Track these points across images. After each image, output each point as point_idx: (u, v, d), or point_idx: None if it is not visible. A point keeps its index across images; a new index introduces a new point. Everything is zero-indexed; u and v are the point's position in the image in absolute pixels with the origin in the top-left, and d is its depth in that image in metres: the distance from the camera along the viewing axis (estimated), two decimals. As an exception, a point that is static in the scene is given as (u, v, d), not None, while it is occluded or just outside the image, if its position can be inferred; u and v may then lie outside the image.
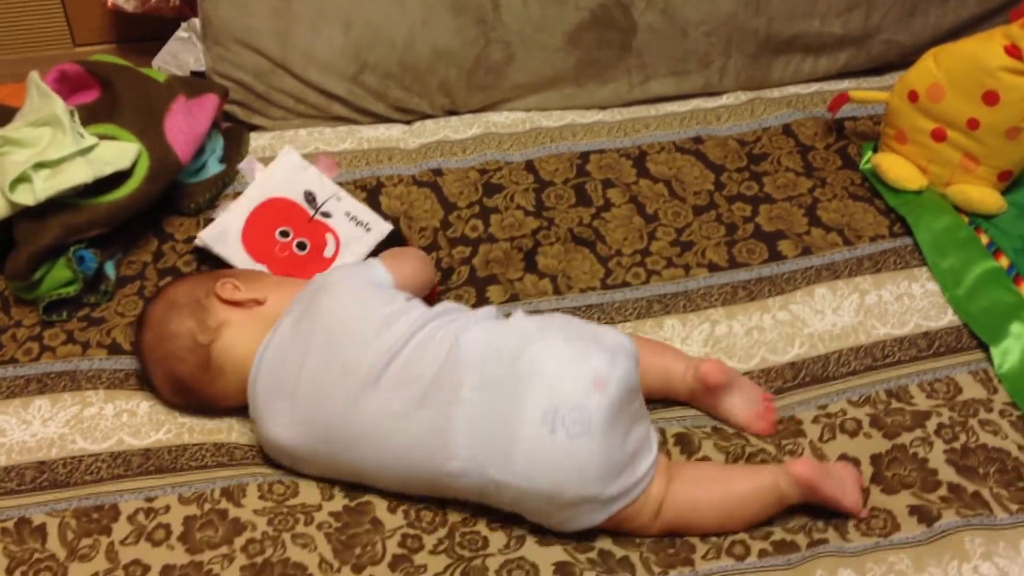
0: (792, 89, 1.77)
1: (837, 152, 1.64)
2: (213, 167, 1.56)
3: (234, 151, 1.60)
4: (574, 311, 1.40)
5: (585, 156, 1.63)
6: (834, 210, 1.54)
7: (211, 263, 1.44)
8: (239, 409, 1.24)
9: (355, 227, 1.46)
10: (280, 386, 1.17)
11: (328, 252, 1.44)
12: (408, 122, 1.72)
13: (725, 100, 1.75)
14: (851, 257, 1.46)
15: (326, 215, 1.47)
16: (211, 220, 1.46)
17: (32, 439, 1.24)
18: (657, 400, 1.29)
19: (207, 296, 1.25)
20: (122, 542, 1.13)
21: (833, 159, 1.63)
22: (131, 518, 1.15)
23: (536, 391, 1.11)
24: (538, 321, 1.20)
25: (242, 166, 1.51)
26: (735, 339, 1.37)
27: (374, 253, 1.42)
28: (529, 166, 1.61)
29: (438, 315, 1.19)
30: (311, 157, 1.54)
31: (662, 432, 1.26)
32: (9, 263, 1.35)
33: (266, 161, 1.51)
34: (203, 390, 1.22)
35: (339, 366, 1.15)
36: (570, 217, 1.53)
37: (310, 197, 1.47)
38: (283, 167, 1.49)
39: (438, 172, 1.60)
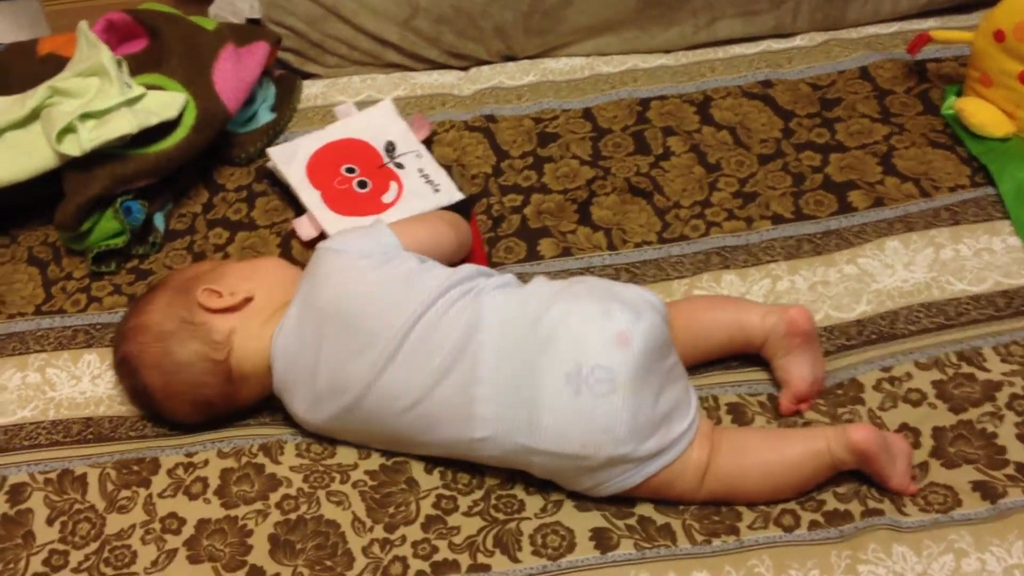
0: (870, 29, 1.66)
1: (917, 96, 1.54)
2: (264, 116, 1.55)
3: (285, 100, 1.58)
4: (628, 267, 1.35)
5: (646, 103, 1.56)
6: (911, 158, 1.45)
7: (260, 207, 1.44)
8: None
9: (424, 184, 1.44)
10: (301, 371, 1.15)
11: (387, 198, 1.42)
12: (463, 68, 1.67)
13: (797, 42, 1.66)
14: (927, 208, 1.38)
15: (399, 166, 1.46)
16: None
17: (81, 396, 1.25)
18: (712, 363, 1.23)
19: (192, 312, 1.18)
20: (160, 495, 1.14)
21: (913, 104, 1.53)
22: (170, 472, 1.16)
23: (558, 352, 1.08)
24: (558, 284, 1.17)
25: (339, 108, 1.52)
26: (798, 294, 1.31)
27: None
28: (587, 114, 1.56)
29: (456, 283, 1.15)
30: (406, 116, 1.53)
31: (714, 399, 1.21)
32: (58, 213, 1.35)
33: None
34: (231, 402, 1.19)
35: (357, 342, 1.12)
36: (627, 166, 1.48)
37: (390, 147, 1.47)
38: (375, 115, 1.50)
39: (492, 119, 1.56)
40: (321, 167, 1.44)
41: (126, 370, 1.19)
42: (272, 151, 1.46)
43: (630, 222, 1.41)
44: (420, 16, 1.62)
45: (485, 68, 1.66)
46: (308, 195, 1.41)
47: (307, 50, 1.66)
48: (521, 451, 1.09)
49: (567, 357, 1.08)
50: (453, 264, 1.23)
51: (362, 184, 1.43)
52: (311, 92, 1.63)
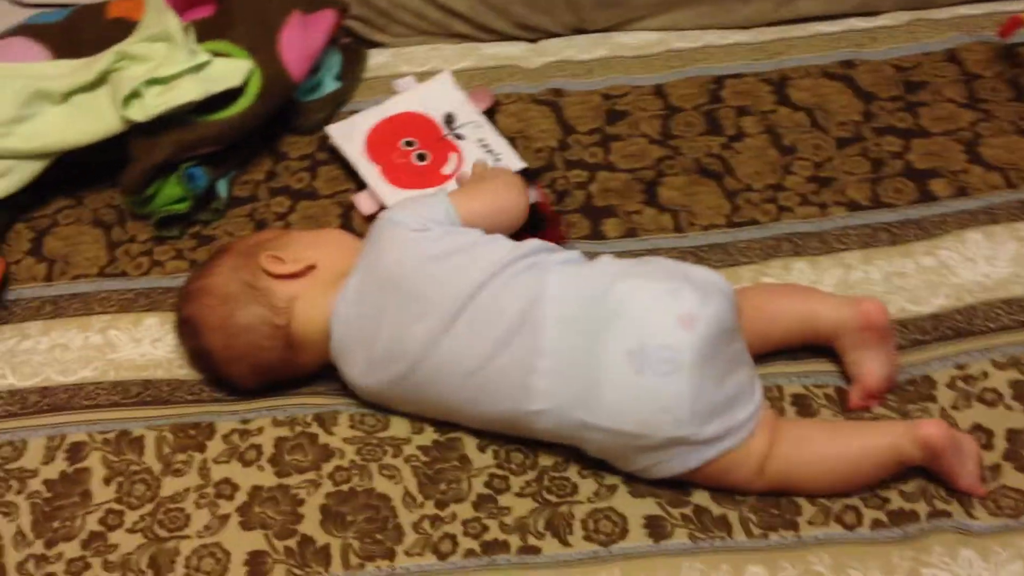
0: (960, 10, 1.59)
1: (1007, 82, 1.47)
2: (329, 85, 1.53)
3: (351, 69, 1.57)
4: (695, 250, 1.32)
5: (720, 81, 1.52)
6: (999, 147, 1.38)
7: (323, 176, 1.44)
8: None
9: (484, 154, 1.42)
10: (360, 337, 1.14)
11: (447, 169, 1.41)
12: (531, 40, 1.64)
13: (883, 20, 1.59)
14: (1013, 200, 1.32)
15: (459, 137, 1.44)
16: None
17: (141, 359, 1.25)
18: (778, 352, 1.19)
19: (256, 276, 1.18)
20: (215, 460, 1.14)
21: (1002, 90, 1.46)
22: (226, 437, 1.16)
23: (622, 329, 1.06)
24: (626, 262, 1.14)
25: (398, 82, 1.52)
26: (871, 285, 1.26)
27: None
28: (658, 91, 1.51)
29: (521, 256, 1.13)
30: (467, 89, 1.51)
31: (779, 389, 1.17)
32: (123, 178, 1.35)
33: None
34: (291, 368, 1.19)
35: (416, 310, 1.10)
36: (698, 146, 1.44)
37: (449, 118, 1.46)
38: (434, 87, 1.49)
39: (559, 93, 1.52)
40: (380, 141, 1.43)
41: (188, 331, 1.20)
42: (331, 128, 1.45)
43: (698, 204, 1.37)
44: (490, -14, 1.60)
45: (554, 40, 1.63)
46: (367, 170, 1.40)
47: (374, 18, 1.64)
48: (577, 426, 1.07)
49: (631, 334, 1.06)
50: (514, 227, 1.22)
51: (421, 157, 1.42)
52: (376, 62, 1.61)
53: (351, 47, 1.61)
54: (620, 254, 1.30)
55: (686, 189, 1.39)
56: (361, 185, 1.42)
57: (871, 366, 1.15)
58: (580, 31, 1.63)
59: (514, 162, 1.41)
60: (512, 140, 1.46)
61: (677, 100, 1.50)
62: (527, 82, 1.55)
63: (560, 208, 1.38)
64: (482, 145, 1.43)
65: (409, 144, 1.43)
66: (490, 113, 1.49)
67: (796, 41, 1.57)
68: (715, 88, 1.51)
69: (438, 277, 1.11)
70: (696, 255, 1.31)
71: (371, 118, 1.46)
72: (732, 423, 1.06)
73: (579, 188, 1.40)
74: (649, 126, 1.47)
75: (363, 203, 1.39)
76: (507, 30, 1.63)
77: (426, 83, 1.51)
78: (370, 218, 1.37)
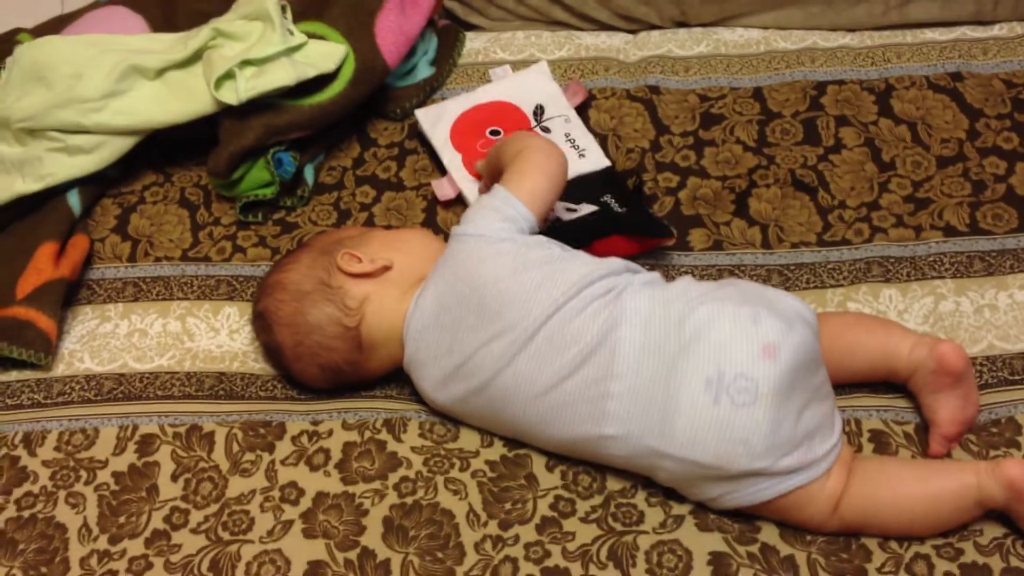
0: (1081, 22, 1.51)
1: None
2: (423, 71, 1.51)
3: (446, 54, 1.54)
4: (781, 268, 1.28)
5: (822, 87, 1.46)
6: (1110, 176, 1.32)
7: (410, 166, 1.43)
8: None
9: (569, 149, 1.39)
10: (434, 351, 1.13)
11: None
12: (632, 31, 1.60)
13: (997, 31, 1.52)
14: (1121, 236, 1.26)
15: (545, 130, 1.41)
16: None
17: (217, 349, 1.26)
18: (861, 385, 1.16)
19: (330, 274, 1.17)
20: (283, 461, 1.14)
21: (1121, 112, 1.39)
22: (295, 439, 1.16)
23: (701, 356, 1.04)
24: (707, 285, 1.12)
25: (495, 70, 1.50)
26: (961, 318, 1.22)
27: (579, 182, 1.33)
28: (756, 94, 1.47)
29: (601, 276, 1.11)
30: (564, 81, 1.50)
31: (857, 424, 1.14)
32: (211, 160, 1.35)
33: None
34: (359, 370, 1.18)
35: (492, 327, 1.09)
36: (793, 156, 1.39)
37: (538, 110, 1.43)
38: (529, 77, 1.47)
39: (655, 90, 1.48)
40: (466, 129, 1.41)
41: (261, 325, 1.20)
42: (419, 112, 1.44)
43: (789, 219, 1.33)
44: (592, -26, 1.55)
45: (655, 33, 1.58)
46: (449, 157, 1.39)
47: (473, 0, 1.61)
48: (650, 454, 1.06)
49: (709, 362, 1.04)
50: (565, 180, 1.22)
51: None
52: (472, 47, 1.58)
53: (448, 30, 1.58)
54: (704, 267, 1.29)
55: (778, 202, 1.35)
56: (443, 171, 1.40)
57: (947, 412, 1.11)
58: (682, 24, 1.58)
59: (599, 159, 1.38)
60: (604, 137, 1.43)
61: (775, 105, 1.45)
62: (623, 76, 1.51)
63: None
64: (568, 140, 1.40)
65: (495, 133, 1.41)
66: (582, 108, 1.46)
67: (904, 48, 1.51)
68: (816, 94, 1.46)
69: (516, 295, 1.10)
70: (782, 274, 1.28)
71: (461, 104, 1.45)
72: (810, 457, 1.04)
73: (668, 194, 1.37)
74: (745, 132, 1.43)
75: (441, 189, 1.38)
76: (608, 20, 1.58)
77: (522, 72, 1.49)
78: (448, 204, 1.38)
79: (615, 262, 1.15)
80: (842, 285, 1.26)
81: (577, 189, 1.31)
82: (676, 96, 1.47)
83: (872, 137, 1.40)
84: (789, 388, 1.03)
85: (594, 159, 1.38)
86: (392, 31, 1.42)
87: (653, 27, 1.59)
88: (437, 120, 1.43)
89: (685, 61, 1.52)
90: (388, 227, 1.36)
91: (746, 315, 1.06)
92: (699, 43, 1.55)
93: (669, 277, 1.18)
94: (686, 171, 1.39)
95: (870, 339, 1.15)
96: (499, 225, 1.16)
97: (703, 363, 1.04)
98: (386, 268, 1.19)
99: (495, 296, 1.10)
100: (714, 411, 1.03)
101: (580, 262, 1.14)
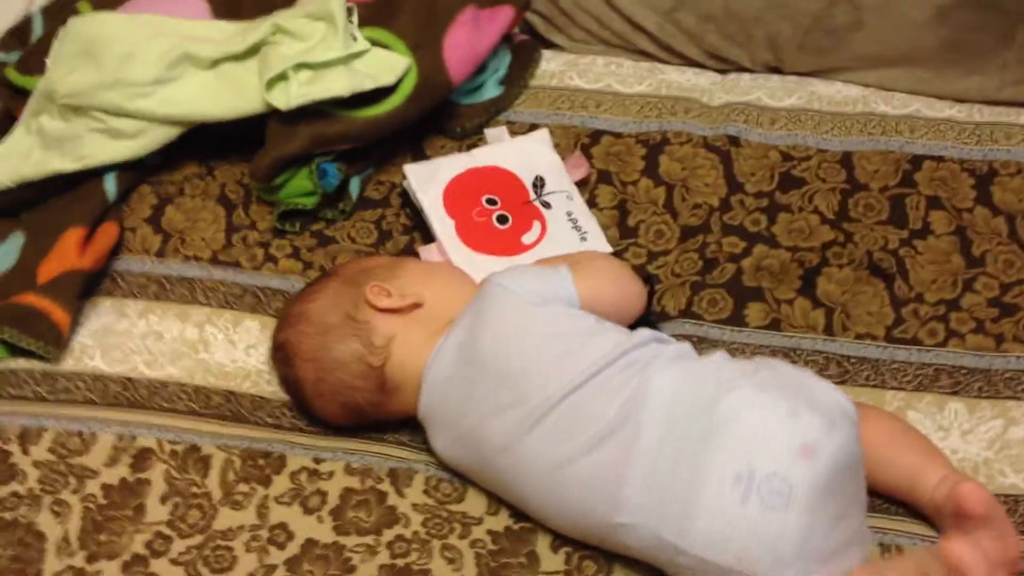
0: None
1: None
2: (491, 90, 1.42)
3: (519, 73, 1.45)
4: (841, 359, 1.18)
5: (918, 161, 1.34)
6: None
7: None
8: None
9: (570, 229, 1.28)
10: (447, 409, 1.06)
11: (528, 239, 1.28)
12: (721, 71, 1.49)
13: None
14: None
15: (546, 205, 1.31)
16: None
17: (231, 364, 1.20)
18: (888, 499, 1.06)
19: (358, 308, 1.10)
20: (277, 499, 1.08)
21: None
22: (294, 475, 1.10)
23: (730, 447, 0.95)
24: (742, 364, 1.03)
25: (491, 131, 1.38)
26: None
27: None
28: (845, 160, 1.35)
29: (628, 350, 1.02)
30: (565, 151, 1.37)
31: (899, 550, 1.04)
32: (253, 164, 1.29)
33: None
34: (380, 411, 1.11)
35: (508, 396, 1.02)
36: (874, 237, 1.28)
37: (539, 182, 1.32)
38: (529, 145, 1.35)
39: (735, 141, 1.38)
40: (460, 193, 1.29)
41: (282, 357, 1.14)
42: (410, 168, 1.31)
43: (858, 307, 1.22)
44: (685, 9, 1.44)
45: (746, 77, 1.47)
46: (440, 223, 1.27)
47: (555, 17, 1.51)
48: (665, 548, 0.97)
49: (740, 455, 0.95)
50: (630, 322, 1.12)
51: (502, 219, 1.29)
52: (548, 68, 1.49)
53: (525, 46, 1.49)
54: (756, 347, 1.19)
55: (849, 286, 1.24)
56: (429, 237, 1.29)
57: (970, 556, 0.96)
58: (775, 70, 1.47)
59: (601, 244, 1.28)
60: (671, 189, 1.33)
61: (864, 175, 1.34)
62: (703, 122, 1.40)
63: (704, 280, 1.25)
64: (570, 219, 1.29)
65: (491, 203, 1.30)
66: (582, 184, 1.35)
67: (1015, 130, 1.38)
68: (910, 169, 1.34)
69: (538, 366, 1.02)
70: (841, 365, 1.18)
71: (455, 166, 1.32)
72: (842, 568, 0.95)
73: (731, 260, 1.27)
74: (825, 201, 1.32)
75: (429, 256, 1.27)
76: (696, 57, 1.48)
77: (521, 138, 1.37)
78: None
79: (644, 333, 1.06)
80: (904, 389, 1.16)
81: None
82: (757, 151, 1.37)
83: (964, 226, 1.28)
84: (826, 493, 0.94)
85: (595, 243, 1.28)
86: (462, 47, 1.34)
87: (743, 69, 1.48)
88: (428, 180, 1.30)
89: (772, 112, 1.41)
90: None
91: (785, 407, 0.97)
92: (791, 94, 1.44)
93: (699, 350, 1.09)
94: (754, 236, 1.29)
95: (903, 460, 1.05)
96: (538, 289, 1.08)
97: (732, 456, 0.95)
98: (416, 305, 1.12)
99: (514, 363, 1.03)
100: (741, 511, 0.94)
101: (608, 336, 1.05)
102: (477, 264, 1.23)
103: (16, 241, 1.28)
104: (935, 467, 1.04)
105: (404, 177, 1.32)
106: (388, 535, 1.06)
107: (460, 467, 1.08)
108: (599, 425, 0.99)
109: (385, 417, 1.13)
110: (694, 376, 1.01)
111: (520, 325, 1.05)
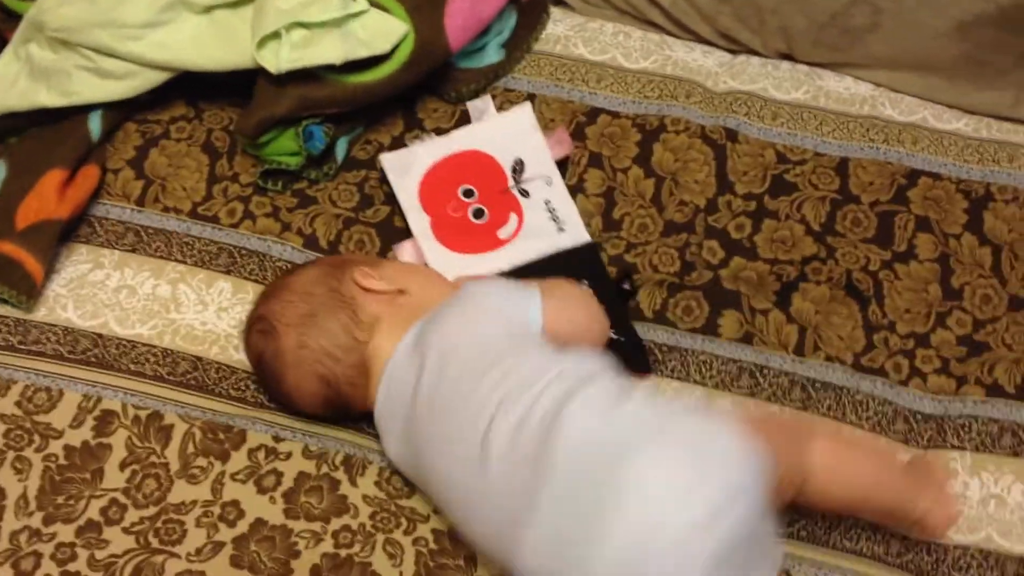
0: None
1: None
2: (492, 54, 1.38)
3: (522, 37, 1.41)
4: (806, 382, 1.18)
5: (914, 176, 1.32)
6: None
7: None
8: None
9: (548, 220, 1.26)
10: (393, 406, 1.07)
11: (504, 232, 1.26)
12: (732, 52, 1.44)
13: None
14: None
15: (524, 193, 1.28)
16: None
17: (201, 327, 1.21)
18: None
19: (343, 284, 1.09)
20: (233, 476, 1.11)
21: None
22: (251, 452, 1.12)
23: (628, 515, 0.91)
24: (659, 411, 0.98)
25: (474, 103, 1.34)
26: (965, 505, 1.11)
27: (555, 260, 1.23)
28: (841, 166, 1.33)
29: (548, 383, 0.98)
30: (551, 127, 1.33)
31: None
32: (240, 118, 1.27)
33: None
34: (353, 395, 1.09)
35: (440, 404, 1.01)
36: (856, 255, 1.27)
37: (518, 166, 1.29)
38: (511, 123, 1.31)
39: (733, 135, 1.35)
40: (437, 185, 1.27)
41: (262, 327, 1.10)
42: (385, 157, 1.29)
43: (830, 328, 1.22)
44: (702, -13, 1.39)
45: (755, 62, 1.42)
46: (417, 220, 1.26)
47: (569, -26, 1.46)
48: None
49: (635, 525, 0.90)
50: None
51: (478, 213, 1.26)
52: (554, 31, 1.44)
53: (532, 6, 1.43)
54: (725, 360, 1.19)
55: (823, 304, 1.24)
56: (407, 232, 1.27)
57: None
58: (788, 57, 1.42)
59: (579, 234, 1.25)
60: (660, 182, 1.31)
61: (857, 186, 1.32)
62: (703, 109, 1.37)
63: (682, 282, 1.25)
64: (547, 209, 1.27)
65: (468, 194, 1.27)
66: (563, 163, 1.32)
67: (1020, 151, 1.34)
68: (905, 184, 1.32)
69: (472, 384, 1.00)
70: (805, 389, 1.18)
71: (433, 152, 1.29)
72: None
73: (708, 268, 1.26)
74: (813, 211, 1.30)
75: (405, 254, 1.26)
76: (708, 36, 1.43)
77: (503, 115, 1.33)
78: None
79: (569, 359, 1.02)
80: (863, 427, 1.16)
81: (552, 269, 1.20)
82: (753, 147, 1.34)
83: (949, 254, 1.27)
84: (725, 560, 0.91)
85: (574, 233, 1.25)
86: (463, 12, 1.29)
87: (755, 53, 1.43)
88: (405, 171, 1.28)
89: (775, 106, 1.38)
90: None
91: (692, 472, 0.92)
92: (799, 87, 1.40)
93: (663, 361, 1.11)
94: (735, 245, 1.27)
95: (861, 480, 1.04)
96: (506, 299, 1.07)
97: (629, 524, 0.90)
98: (401, 292, 1.11)
99: (449, 375, 1.02)
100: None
101: (531, 365, 1.01)
102: (453, 262, 1.22)
103: (-1, 171, 1.28)
104: (895, 489, 1.05)
105: (380, 164, 1.29)
106: (336, 524, 1.09)
107: (401, 469, 1.10)
108: (510, 459, 0.95)
109: (353, 406, 1.11)
110: (606, 423, 0.95)
111: (472, 326, 1.05)
